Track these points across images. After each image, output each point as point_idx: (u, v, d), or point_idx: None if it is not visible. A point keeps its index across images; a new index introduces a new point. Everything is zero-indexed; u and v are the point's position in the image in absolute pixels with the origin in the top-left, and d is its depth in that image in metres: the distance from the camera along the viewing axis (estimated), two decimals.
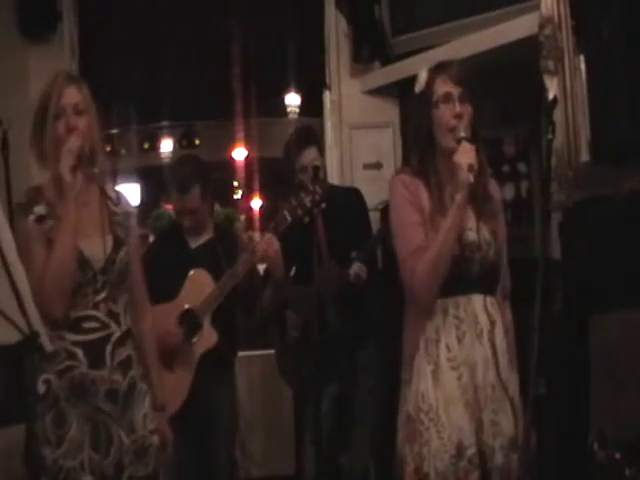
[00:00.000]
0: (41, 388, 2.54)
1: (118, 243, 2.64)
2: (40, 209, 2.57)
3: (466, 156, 2.49)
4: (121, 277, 2.63)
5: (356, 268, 3.77)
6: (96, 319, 2.57)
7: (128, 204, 2.77)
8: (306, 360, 3.76)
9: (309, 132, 4.15)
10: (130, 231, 2.71)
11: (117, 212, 2.70)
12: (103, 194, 2.70)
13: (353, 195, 4.11)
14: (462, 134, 2.53)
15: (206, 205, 3.72)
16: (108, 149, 2.72)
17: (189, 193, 3.63)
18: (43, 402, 2.52)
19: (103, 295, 2.58)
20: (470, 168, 2.47)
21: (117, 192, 2.76)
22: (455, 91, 2.58)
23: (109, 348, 2.57)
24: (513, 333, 2.69)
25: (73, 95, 2.58)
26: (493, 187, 2.74)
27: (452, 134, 2.56)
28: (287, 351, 3.96)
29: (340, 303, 3.78)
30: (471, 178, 2.47)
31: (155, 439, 2.65)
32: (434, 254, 2.49)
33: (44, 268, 2.47)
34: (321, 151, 4.03)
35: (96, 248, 2.59)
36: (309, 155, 3.86)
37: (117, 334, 2.59)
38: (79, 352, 2.54)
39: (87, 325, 2.56)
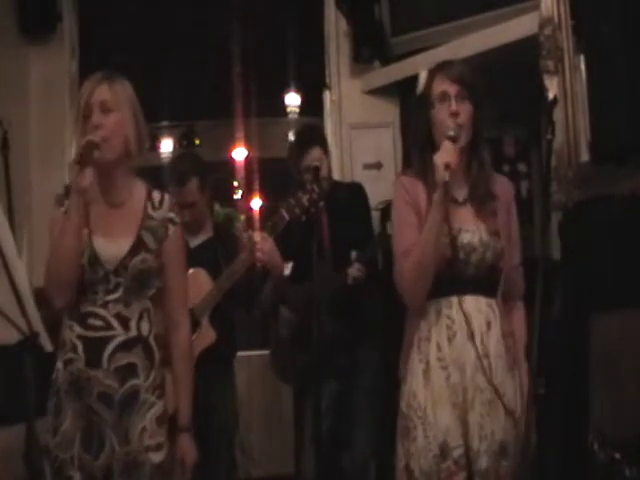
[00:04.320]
0: (54, 374, 2.55)
1: (138, 248, 2.57)
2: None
3: (444, 155, 2.48)
4: (137, 283, 2.55)
5: (355, 271, 3.77)
6: (101, 318, 2.53)
7: (170, 210, 2.65)
8: (298, 358, 3.78)
9: (312, 132, 4.14)
10: (166, 238, 2.62)
11: (153, 216, 2.62)
12: (148, 196, 2.64)
13: (355, 190, 4.12)
14: (450, 133, 2.52)
15: (204, 199, 3.72)
16: None
17: (187, 186, 3.64)
18: (51, 389, 2.53)
19: (115, 296, 2.54)
20: (446, 167, 2.45)
21: (162, 195, 2.67)
22: (452, 90, 2.57)
23: (108, 351, 2.52)
24: (523, 335, 2.65)
25: (102, 93, 2.55)
26: (502, 185, 2.71)
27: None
28: (278, 348, 3.98)
29: (334, 306, 3.77)
30: (446, 177, 2.45)
31: (153, 457, 2.53)
32: (416, 256, 2.50)
33: (48, 260, 2.46)
34: (326, 150, 4.02)
35: (111, 249, 2.55)
36: (312, 156, 3.87)
37: (121, 338, 2.53)
38: (79, 346, 2.52)
39: (91, 322, 2.53)
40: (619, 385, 3.48)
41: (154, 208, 2.63)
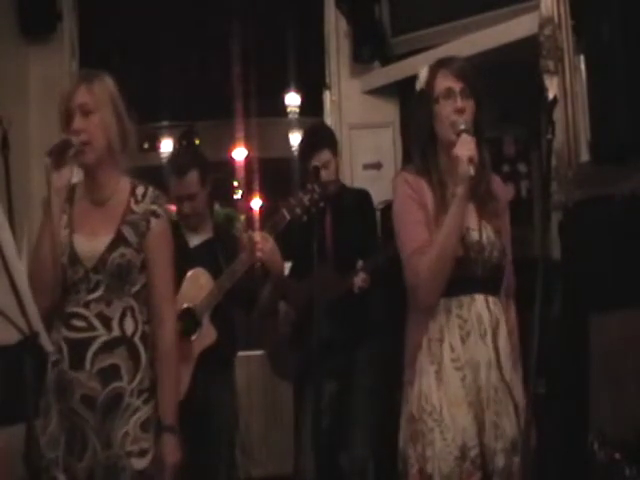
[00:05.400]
0: (47, 374, 2.54)
1: (117, 243, 2.54)
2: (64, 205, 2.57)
3: (466, 148, 2.45)
4: (116, 279, 2.53)
5: (360, 281, 3.78)
6: (84, 318, 2.51)
7: (153, 202, 2.60)
8: (296, 355, 3.80)
9: (322, 133, 4.12)
10: (148, 231, 2.58)
11: (136, 211, 2.58)
12: (132, 191, 2.61)
13: (363, 197, 4.11)
14: (462, 126, 2.50)
15: (204, 194, 3.70)
16: None
17: (187, 177, 3.63)
18: (43, 388, 2.53)
19: (96, 295, 2.52)
20: (470, 160, 2.43)
21: (145, 189, 2.63)
22: (456, 86, 2.55)
23: (91, 352, 2.49)
24: (517, 333, 2.66)
25: (81, 95, 2.54)
26: (499, 185, 2.71)
27: (453, 128, 2.52)
28: (277, 345, 3.98)
29: (335, 308, 3.77)
30: (472, 171, 2.43)
31: (135, 463, 2.48)
32: (437, 252, 2.46)
33: (29, 262, 2.46)
34: (335, 152, 4.00)
35: (90, 246, 2.53)
36: (320, 158, 3.87)
37: (103, 338, 2.50)
38: (64, 348, 2.51)
39: (75, 323, 2.52)
40: (619, 385, 3.48)
41: (137, 202, 2.60)
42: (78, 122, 2.52)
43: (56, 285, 2.51)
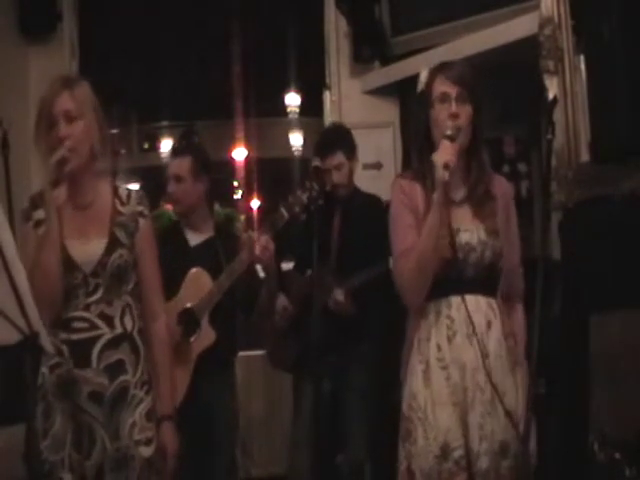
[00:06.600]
0: (39, 379, 2.55)
1: (113, 245, 2.58)
2: (39, 214, 2.56)
3: (443, 154, 2.47)
4: (116, 279, 2.57)
5: (333, 302, 3.77)
6: (86, 320, 2.54)
7: (139, 203, 2.67)
8: (293, 348, 3.83)
9: (337, 135, 4.08)
10: (137, 231, 2.64)
11: (123, 212, 2.63)
12: (115, 194, 2.66)
13: (374, 203, 4.05)
14: (448, 132, 2.51)
15: (195, 186, 3.68)
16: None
17: (178, 158, 3.69)
18: (38, 393, 2.54)
19: (96, 297, 2.55)
20: (445, 166, 2.45)
21: (128, 191, 2.69)
22: (452, 91, 2.57)
23: (96, 350, 2.53)
24: (522, 336, 2.64)
25: (65, 102, 2.53)
26: (500, 185, 2.70)
27: None
28: (275, 338, 3.99)
29: (329, 311, 3.76)
30: (446, 176, 2.44)
31: (143, 451, 2.55)
32: (416, 255, 2.50)
33: (29, 276, 2.38)
34: (350, 155, 3.97)
35: (86, 251, 2.55)
36: (333, 160, 3.86)
37: (107, 336, 2.55)
38: (66, 350, 2.53)
39: (76, 325, 2.53)
40: (619, 385, 3.48)
41: (122, 204, 2.65)
42: (64, 129, 2.51)
43: (61, 296, 2.52)
